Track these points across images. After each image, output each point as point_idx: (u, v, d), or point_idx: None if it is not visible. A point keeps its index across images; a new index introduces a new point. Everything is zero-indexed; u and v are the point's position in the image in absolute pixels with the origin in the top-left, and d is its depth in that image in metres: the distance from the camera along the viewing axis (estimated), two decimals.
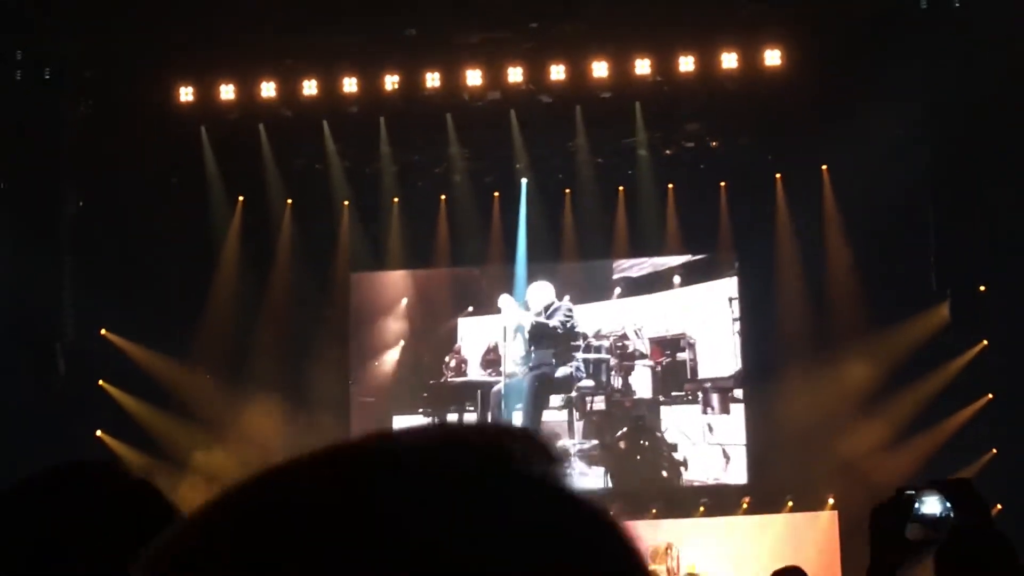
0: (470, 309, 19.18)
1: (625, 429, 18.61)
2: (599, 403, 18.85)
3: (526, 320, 18.90)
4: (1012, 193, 16.98)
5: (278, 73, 17.94)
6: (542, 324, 18.90)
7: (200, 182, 18.66)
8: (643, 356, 18.71)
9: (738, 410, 18.48)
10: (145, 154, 18.11)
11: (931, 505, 5.07)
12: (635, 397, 18.68)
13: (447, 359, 19.13)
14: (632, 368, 18.77)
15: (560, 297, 18.96)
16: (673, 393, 18.60)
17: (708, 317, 18.61)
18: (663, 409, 18.64)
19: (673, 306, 18.70)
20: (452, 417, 19.02)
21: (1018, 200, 16.92)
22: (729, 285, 18.67)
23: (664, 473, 18.54)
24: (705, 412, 18.53)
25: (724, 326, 18.58)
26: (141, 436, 17.61)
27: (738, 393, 18.51)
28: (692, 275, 18.73)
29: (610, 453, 18.76)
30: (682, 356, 18.61)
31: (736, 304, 18.53)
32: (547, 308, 18.91)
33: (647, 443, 18.54)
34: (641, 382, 18.74)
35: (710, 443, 18.55)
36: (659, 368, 18.65)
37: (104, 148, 18.04)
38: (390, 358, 19.31)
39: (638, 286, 18.85)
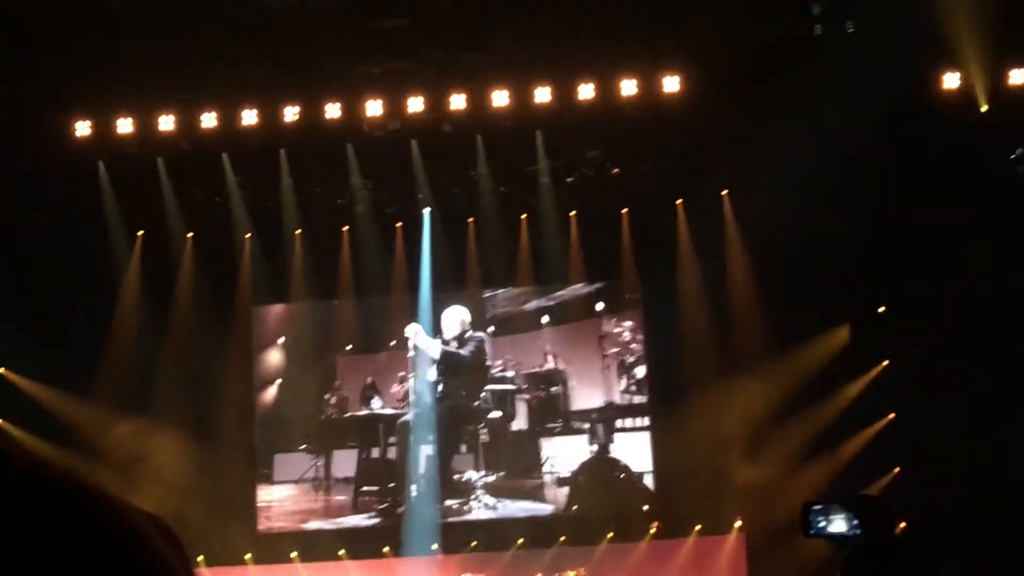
0: (348, 347, 19.15)
1: (587, 458, 18.62)
2: (502, 434, 18.90)
3: (435, 349, 18.86)
4: (909, 214, 17.23)
5: (176, 106, 17.77)
6: (453, 354, 18.87)
7: (99, 217, 18.44)
8: (520, 391, 18.84)
9: (623, 439, 18.59)
10: (42, 189, 17.88)
11: (838, 523, 5.10)
12: (513, 429, 18.78)
13: (327, 396, 19.08)
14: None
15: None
16: (548, 425, 18.77)
17: (578, 354, 18.85)
18: (542, 441, 18.74)
19: (545, 343, 18.89)
20: (347, 453, 18.98)
21: (916, 221, 17.17)
22: (599, 324, 18.90)
23: (645, 506, 18.55)
24: (591, 443, 18.66)
25: (594, 362, 18.75)
26: None
27: (633, 423, 18.66)
28: (560, 315, 18.95)
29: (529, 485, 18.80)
30: (555, 390, 18.80)
31: (606, 342, 18.79)
32: (462, 335, 18.91)
33: (620, 474, 18.56)
34: (518, 415, 18.93)
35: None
36: (535, 402, 18.79)
37: (0, 185, 17.77)
38: (273, 393, 19.23)
39: (510, 324, 18.97)
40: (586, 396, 18.80)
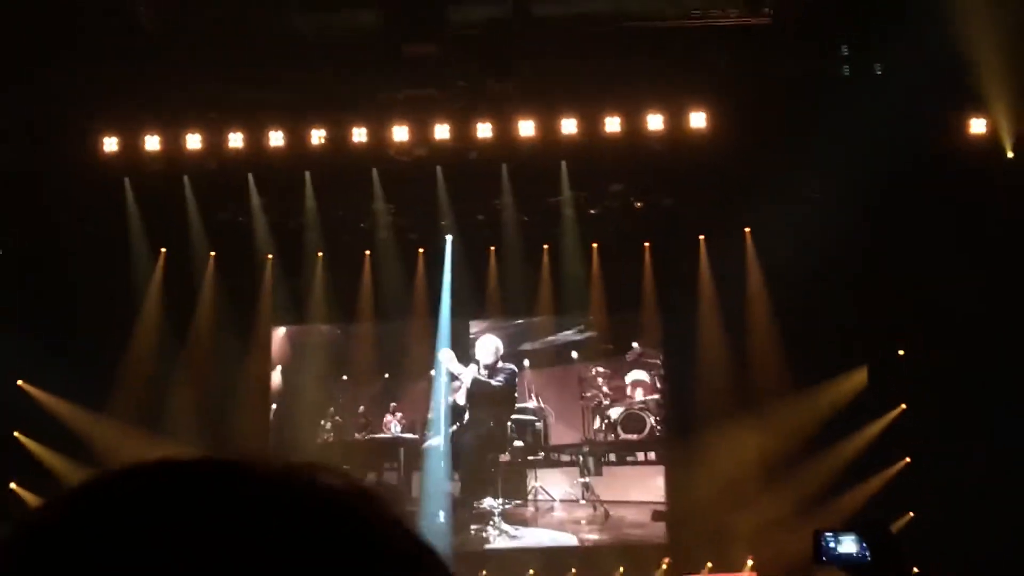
0: (344, 377, 19.20)
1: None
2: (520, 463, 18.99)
3: (468, 377, 18.91)
4: (931, 258, 17.19)
5: (204, 125, 17.84)
6: (484, 383, 18.93)
7: (123, 233, 18.51)
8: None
9: (613, 472, 18.82)
10: (68, 204, 17.95)
11: (847, 545, 5.16)
12: (503, 460, 18.98)
13: (323, 422, 19.14)
14: None
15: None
16: (530, 457, 18.99)
17: (558, 394, 19.09)
18: (528, 471, 19.00)
19: (530, 383, 19.17)
20: (370, 476, 19.01)
21: (936, 265, 17.13)
22: (577, 370, 19.15)
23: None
24: (583, 475, 18.85)
25: (573, 403, 19.00)
26: (56, 489, 17.32)
27: (626, 457, 18.79)
28: (540, 359, 19.16)
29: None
30: (538, 425, 19.09)
31: (588, 384, 19.04)
32: (494, 364, 18.99)
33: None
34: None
35: (588, 500, 18.83)
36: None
37: (26, 198, 17.86)
38: (286, 414, 19.31)
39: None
40: (563, 433, 19.00)
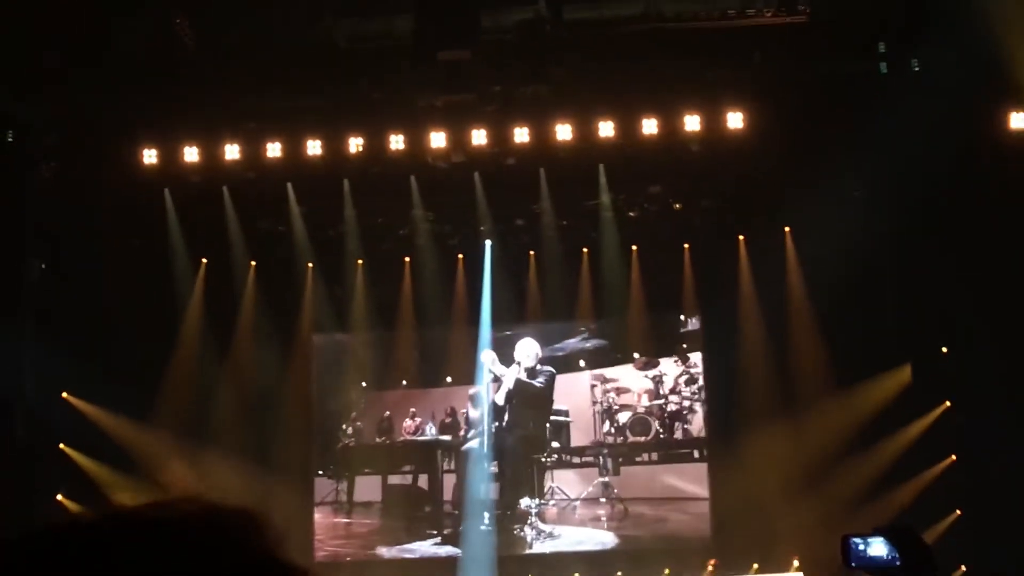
0: (363, 384, 19.27)
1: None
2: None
3: (511, 378, 18.97)
4: (972, 255, 17.10)
5: (242, 136, 17.90)
6: (527, 384, 18.99)
7: (163, 244, 18.61)
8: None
9: (629, 472, 18.95)
10: (108, 217, 18.07)
11: (877, 548, 5.16)
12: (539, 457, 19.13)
13: (344, 427, 19.22)
14: None
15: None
16: (544, 459, 19.11)
17: (571, 399, 19.15)
18: (545, 472, 19.08)
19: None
20: (398, 479, 19.12)
21: (978, 262, 17.04)
22: (589, 376, 19.21)
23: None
24: (602, 475, 18.99)
25: (586, 407, 19.12)
26: (102, 500, 17.46)
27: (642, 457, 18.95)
28: (558, 364, 19.23)
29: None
30: (568, 428, 19.23)
31: (598, 390, 19.12)
32: (534, 368, 19.04)
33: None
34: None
35: (608, 498, 18.91)
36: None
37: (67, 211, 17.99)
38: (334, 421, 19.45)
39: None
40: (575, 436, 19.13)
